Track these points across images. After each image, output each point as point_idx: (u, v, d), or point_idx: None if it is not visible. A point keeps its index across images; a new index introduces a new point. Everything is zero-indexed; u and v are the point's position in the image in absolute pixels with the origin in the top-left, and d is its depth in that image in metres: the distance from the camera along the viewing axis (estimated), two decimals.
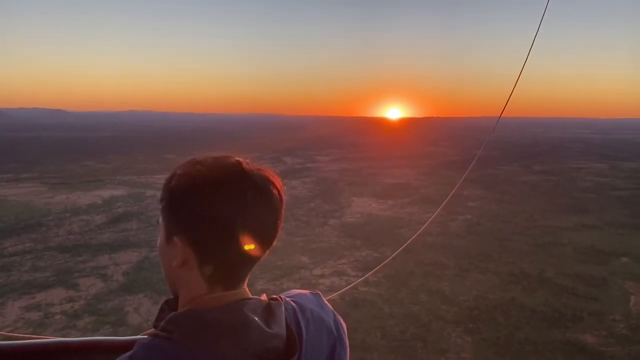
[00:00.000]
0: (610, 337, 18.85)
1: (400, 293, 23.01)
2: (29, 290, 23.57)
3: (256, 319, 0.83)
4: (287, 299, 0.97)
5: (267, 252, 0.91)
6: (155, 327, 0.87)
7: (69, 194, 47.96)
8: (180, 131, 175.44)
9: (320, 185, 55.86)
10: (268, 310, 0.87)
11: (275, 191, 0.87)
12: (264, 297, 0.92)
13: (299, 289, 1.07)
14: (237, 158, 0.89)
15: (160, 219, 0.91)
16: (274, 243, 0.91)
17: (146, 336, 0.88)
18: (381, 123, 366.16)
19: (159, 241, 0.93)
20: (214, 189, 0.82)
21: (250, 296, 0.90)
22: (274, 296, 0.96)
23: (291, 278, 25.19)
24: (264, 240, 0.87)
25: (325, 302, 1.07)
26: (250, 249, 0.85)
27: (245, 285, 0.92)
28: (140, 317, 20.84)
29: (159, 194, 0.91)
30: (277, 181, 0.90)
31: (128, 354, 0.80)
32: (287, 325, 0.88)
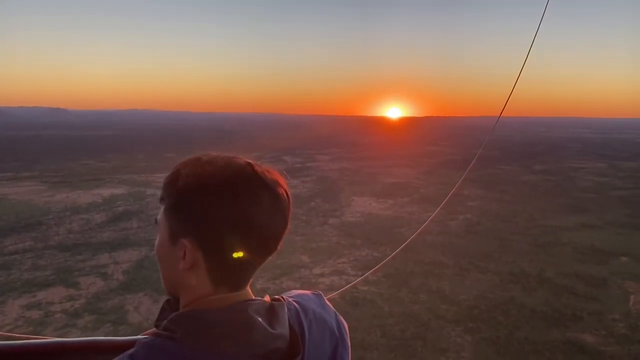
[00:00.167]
0: (610, 336, 18.88)
1: (400, 292, 23.02)
2: (29, 288, 23.61)
3: (260, 319, 0.83)
4: (290, 300, 0.97)
5: (274, 253, 0.90)
6: (157, 326, 0.87)
7: (69, 192, 48.01)
8: (181, 130, 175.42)
9: (320, 184, 55.89)
10: (271, 311, 0.87)
11: (283, 193, 0.88)
12: (267, 298, 0.92)
13: (298, 288, 1.07)
14: (247, 160, 0.88)
15: (161, 219, 0.89)
16: (281, 245, 0.91)
17: (147, 336, 0.87)
18: (381, 122, 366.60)
19: (157, 241, 0.91)
20: (227, 191, 0.80)
21: (254, 297, 0.90)
22: (277, 297, 0.96)
23: (291, 277, 25.20)
24: (272, 242, 0.88)
25: (327, 302, 1.07)
26: (258, 251, 0.85)
27: (249, 286, 0.92)
28: (140, 316, 20.87)
29: (159, 192, 0.89)
30: (284, 183, 0.90)
31: (129, 352, 0.79)
32: (290, 326, 0.88)
